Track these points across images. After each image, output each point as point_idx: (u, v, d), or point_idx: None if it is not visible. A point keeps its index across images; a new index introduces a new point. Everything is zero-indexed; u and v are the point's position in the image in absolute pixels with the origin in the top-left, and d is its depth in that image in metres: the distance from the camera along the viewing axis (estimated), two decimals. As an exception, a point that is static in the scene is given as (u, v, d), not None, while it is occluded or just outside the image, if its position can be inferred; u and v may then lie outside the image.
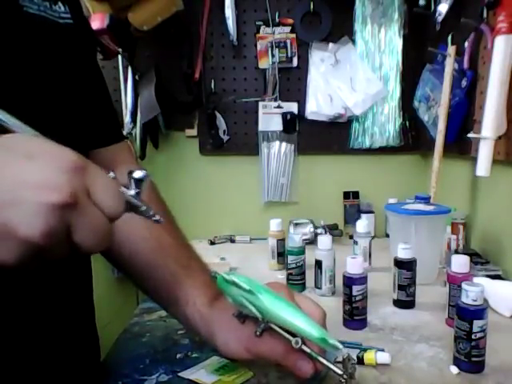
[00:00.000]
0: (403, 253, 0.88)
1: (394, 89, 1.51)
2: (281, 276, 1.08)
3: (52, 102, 0.50)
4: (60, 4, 0.52)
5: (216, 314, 0.60)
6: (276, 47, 1.49)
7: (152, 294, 0.67)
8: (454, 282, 0.77)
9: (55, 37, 0.51)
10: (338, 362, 0.49)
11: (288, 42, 1.49)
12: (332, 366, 0.49)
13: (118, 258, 0.64)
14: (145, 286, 0.66)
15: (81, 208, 0.31)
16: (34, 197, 0.30)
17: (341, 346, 0.47)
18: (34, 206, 0.29)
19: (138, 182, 0.38)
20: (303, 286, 1.01)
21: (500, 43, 0.92)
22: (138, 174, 0.38)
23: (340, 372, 0.48)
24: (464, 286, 0.64)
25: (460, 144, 1.18)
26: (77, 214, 0.31)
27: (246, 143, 1.56)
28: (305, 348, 0.50)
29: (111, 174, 0.36)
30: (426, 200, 1.12)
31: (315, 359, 0.50)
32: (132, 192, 0.38)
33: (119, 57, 1.41)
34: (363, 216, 1.40)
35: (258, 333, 0.53)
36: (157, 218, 0.39)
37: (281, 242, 1.17)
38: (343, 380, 0.48)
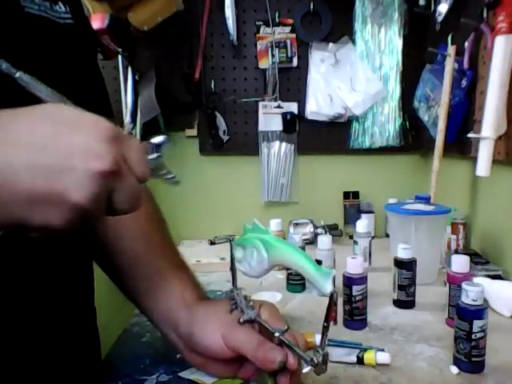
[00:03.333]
0: (403, 253, 0.88)
1: (394, 89, 1.51)
2: (281, 276, 1.08)
3: None
4: (60, 4, 0.52)
5: (202, 305, 0.60)
6: (276, 47, 1.49)
7: (136, 289, 0.65)
8: (454, 282, 0.77)
9: (56, 37, 0.51)
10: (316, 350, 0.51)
11: (288, 41, 1.49)
12: (304, 355, 0.50)
13: (104, 254, 0.63)
14: (130, 283, 0.65)
15: (121, 174, 0.34)
16: (83, 165, 0.32)
17: (334, 271, 0.50)
18: (83, 174, 0.32)
19: (158, 147, 0.42)
20: (303, 286, 1.01)
21: (500, 43, 0.92)
22: (157, 139, 0.42)
23: (308, 359, 0.50)
24: (464, 286, 0.64)
25: (460, 144, 1.18)
26: (118, 180, 0.34)
27: (246, 143, 1.55)
28: (283, 339, 0.51)
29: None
30: (426, 200, 1.12)
31: (291, 349, 0.50)
32: (154, 156, 0.41)
33: (119, 57, 1.41)
34: (363, 216, 1.40)
35: (241, 320, 0.53)
36: (176, 179, 0.43)
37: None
38: (311, 366, 0.50)
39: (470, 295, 0.63)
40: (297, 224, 1.41)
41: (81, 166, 0.32)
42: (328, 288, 0.49)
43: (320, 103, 1.51)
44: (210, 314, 0.58)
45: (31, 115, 0.33)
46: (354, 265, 0.80)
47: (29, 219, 0.32)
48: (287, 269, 1.01)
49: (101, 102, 0.64)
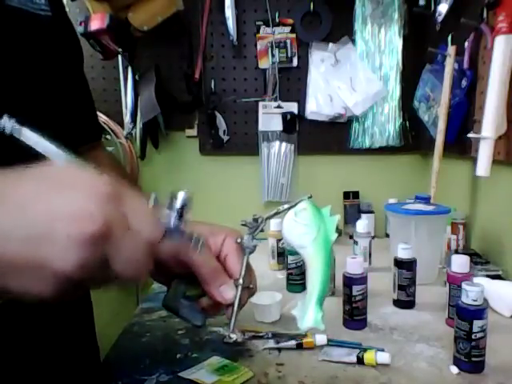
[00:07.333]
0: (403, 253, 0.88)
1: (394, 89, 1.51)
2: (281, 276, 1.08)
3: (36, 96, 0.50)
4: None
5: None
6: (276, 47, 1.49)
7: None
8: (454, 282, 0.77)
9: (36, 30, 0.51)
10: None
11: (288, 41, 1.49)
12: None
13: None
14: None
15: (117, 237, 0.30)
16: (67, 229, 0.28)
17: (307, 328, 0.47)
18: (66, 239, 0.28)
19: (180, 207, 0.38)
20: (303, 286, 1.01)
21: (500, 43, 0.92)
22: (180, 198, 0.38)
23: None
24: (464, 286, 0.64)
25: (460, 144, 1.18)
26: (113, 244, 0.30)
27: (246, 143, 1.55)
28: (239, 285, 0.49)
29: (152, 200, 0.35)
30: (426, 200, 1.12)
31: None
32: (172, 217, 0.37)
33: (119, 57, 1.41)
34: (363, 216, 1.40)
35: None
36: (199, 243, 0.39)
37: (281, 242, 1.17)
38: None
39: (470, 295, 0.63)
40: (297, 224, 1.41)
41: (64, 230, 0.28)
42: (304, 326, 0.46)
43: (320, 103, 1.51)
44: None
45: (19, 176, 0.30)
46: (354, 265, 0.80)
47: (4, 286, 0.29)
48: (287, 269, 1.01)
49: (79, 96, 0.64)
